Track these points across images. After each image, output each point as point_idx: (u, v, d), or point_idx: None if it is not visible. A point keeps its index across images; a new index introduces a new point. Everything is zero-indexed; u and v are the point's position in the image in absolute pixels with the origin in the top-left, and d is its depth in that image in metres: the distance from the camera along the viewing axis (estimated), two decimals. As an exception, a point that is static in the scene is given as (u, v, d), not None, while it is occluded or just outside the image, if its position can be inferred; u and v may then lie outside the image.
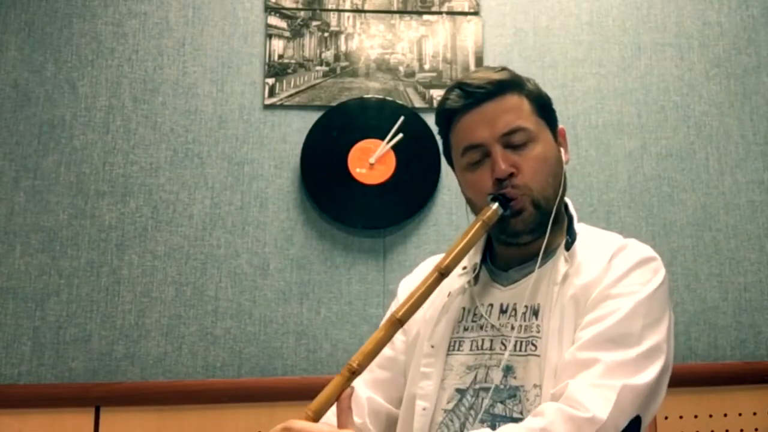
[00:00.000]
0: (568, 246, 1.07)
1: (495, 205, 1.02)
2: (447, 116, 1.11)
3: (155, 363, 1.77)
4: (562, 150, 1.11)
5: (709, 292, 1.91)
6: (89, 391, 1.71)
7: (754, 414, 1.82)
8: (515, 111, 1.06)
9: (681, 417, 1.80)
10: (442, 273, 1.00)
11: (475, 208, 1.09)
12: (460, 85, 1.08)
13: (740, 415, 1.81)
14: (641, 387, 0.92)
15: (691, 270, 1.91)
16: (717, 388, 1.83)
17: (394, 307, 1.22)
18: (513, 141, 1.05)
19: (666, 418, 1.79)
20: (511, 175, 1.03)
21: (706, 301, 1.90)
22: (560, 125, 1.14)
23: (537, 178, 1.04)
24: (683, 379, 1.80)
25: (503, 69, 1.10)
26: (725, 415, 1.81)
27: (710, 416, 1.81)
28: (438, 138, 1.68)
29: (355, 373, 0.95)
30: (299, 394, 1.74)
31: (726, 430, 1.81)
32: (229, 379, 1.76)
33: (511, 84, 1.07)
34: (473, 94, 1.06)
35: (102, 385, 1.72)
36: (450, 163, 1.16)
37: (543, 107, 1.10)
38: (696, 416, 1.80)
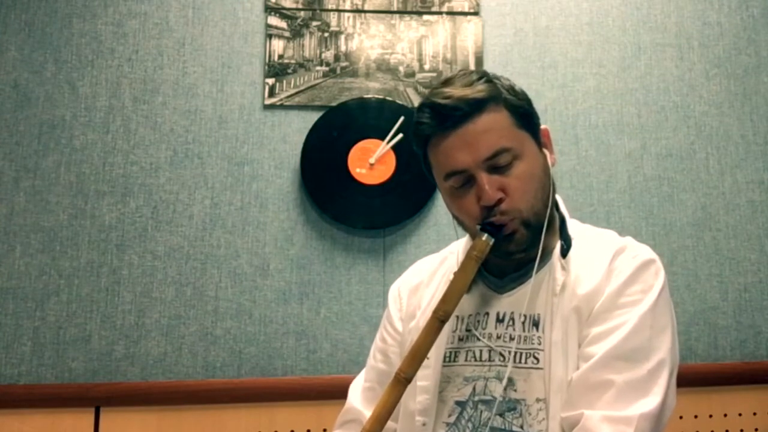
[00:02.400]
0: (564, 253, 1.04)
1: (485, 236, 0.99)
2: (422, 139, 1.04)
3: (155, 363, 1.77)
4: (547, 153, 1.06)
5: (709, 292, 1.91)
6: (89, 391, 1.70)
7: (754, 414, 1.82)
8: (496, 130, 0.99)
9: (681, 417, 1.80)
10: (442, 320, 0.98)
11: (464, 226, 1.07)
12: (434, 106, 1.01)
13: (740, 415, 1.81)
14: (654, 411, 0.92)
15: (691, 270, 1.91)
16: (717, 388, 1.83)
17: (385, 319, 1.21)
18: (497, 163, 0.99)
19: (666, 418, 1.79)
20: (499, 200, 0.99)
21: (706, 301, 1.90)
22: (543, 125, 1.09)
23: (525, 197, 1.00)
24: (683, 379, 1.78)
25: (478, 79, 1.02)
26: (725, 415, 1.81)
27: (710, 416, 1.81)
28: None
29: None
30: (299, 394, 1.74)
31: (726, 430, 1.81)
32: (229, 379, 1.76)
33: (488, 99, 1.00)
34: (448, 117, 0.99)
35: (102, 385, 1.72)
36: (429, 177, 1.10)
37: (523, 115, 1.03)
38: (696, 416, 1.80)
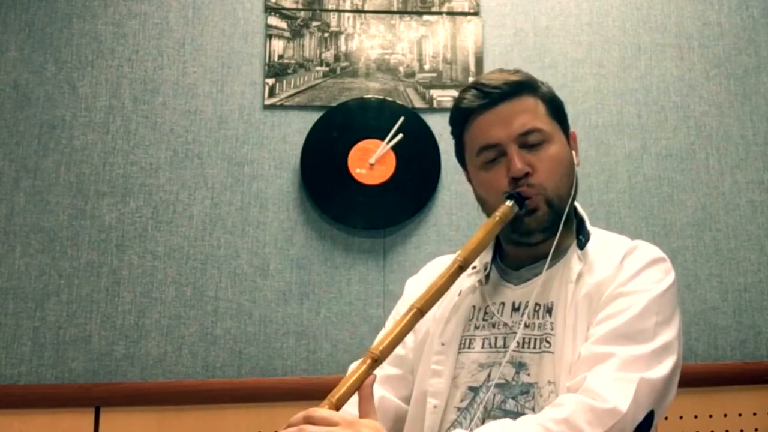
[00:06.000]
0: (582, 245, 1.08)
1: (510, 203, 1.04)
2: (463, 116, 1.12)
3: (155, 363, 1.77)
4: (573, 153, 1.13)
5: (709, 292, 1.90)
6: (89, 391, 1.70)
7: (754, 414, 1.82)
8: (531, 112, 1.08)
9: (681, 417, 1.80)
10: (461, 266, 1.02)
11: (489, 208, 1.10)
12: (477, 86, 1.10)
13: (740, 415, 1.81)
14: (657, 381, 0.93)
15: (691, 270, 1.91)
16: (717, 388, 1.83)
17: (401, 304, 1.22)
18: (528, 141, 1.06)
19: (666, 418, 1.79)
20: (527, 174, 1.04)
21: (706, 301, 1.90)
22: (572, 129, 1.16)
23: (552, 177, 1.06)
24: (683, 379, 1.78)
25: (518, 71, 1.12)
26: (725, 415, 1.81)
27: (710, 416, 1.81)
28: (438, 138, 1.68)
29: (377, 361, 0.93)
30: (299, 394, 1.74)
31: (726, 430, 1.81)
32: (229, 379, 1.76)
33: (527, 86, 1.09)
34: (489, 94, 1.08)
35: (102, 385, 1.72)
36: (462, 163, 1.17)
37: (557, 110, 1.12)
38: (696, 416, 1.80)
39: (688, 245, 1.93)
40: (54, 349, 1.75)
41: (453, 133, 1.16)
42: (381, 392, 1.13)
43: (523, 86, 1.09)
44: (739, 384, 1.83)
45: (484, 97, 1.08)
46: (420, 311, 0.98)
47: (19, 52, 1.88)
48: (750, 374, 1.84)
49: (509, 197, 1.04)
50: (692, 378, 1.81)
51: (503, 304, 1.09)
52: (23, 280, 1.78)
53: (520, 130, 1.06)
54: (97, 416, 1.70)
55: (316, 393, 1.73)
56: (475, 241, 1.03)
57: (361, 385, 0.91)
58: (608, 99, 1.99)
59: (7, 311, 1.76)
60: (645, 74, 2.01)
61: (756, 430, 1.81)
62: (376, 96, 1.93)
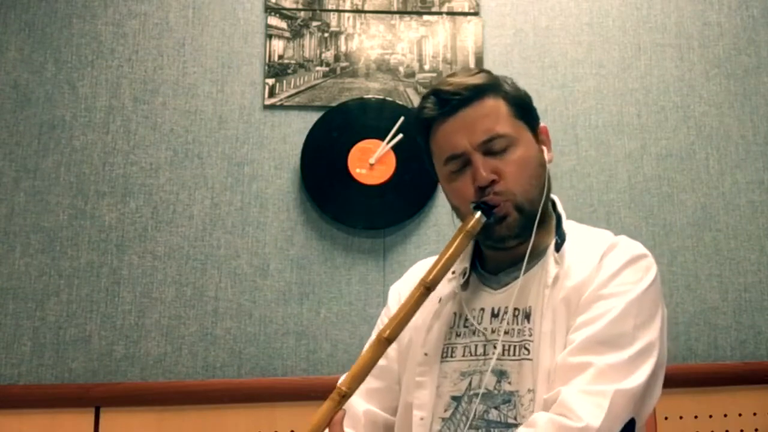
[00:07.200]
0: (558, 247, 1.06)
1: (478, 214, 1.01)
2: (425, 125, 1.08)
3: (155, 363, 1.77)
4: (544, 149, 1.10)
5: (709, 292, 1.90)
6: (89, 392, 1.70)
7: (754, 414, 1.82)
8: (493, 116, 1.04)
9: (681, 417, 1.80)
10: (428, 287, 1.00)
11: (461, 216, 1.08)
12: (436, 92, 1.06)
13: (740, 415, 1.81)
14: (634, 390, 0.92)
15: (691, 270, 1.91)
16: (717, 388, 1.83)
17: (384, 315, 1.22)
18: (492, 148, 1.03)
19: (666, 418, 1.79)
20: (493, 181, 1.02)
21: (706, 302, 1.90)
22: (542, 123, 1.12)
23: (519, 182, 1.03)
24: (683, 379, 1.80)
25: (479, 72, 1.08)
26: (725, 415, 1.81)
27: (710, 416, 1.81)
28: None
29: (345, 397, 0.95)
30: (299, 394, 1.74)
31: (726, 430, 1.81)
32: (229, 380, 1.76)
33: (488, 87, 1.05)
34: (449, 101, 1.04)
35: (102, 386, 1.72)
36: (431, 169, 1.14)
37: (521, 108, 1.08)
38: (696, 416, 1.80)
39: (688, 245, 1.93)
40: (54, 349, 1.75)
41: (419, 141, 1.13)
42: (367, 406, 1.13)
43: (484, 89, 1.05)
44: (739, 384, 1.83)
45: (443, 104, 1.05)
46: (387, 340, 0.98)
47: (19, 52, 1.88)
48: (750, 374, 1.84)
49: (476, 208, 1.02)
50: (692, 378, 1.81)
51: (483, 310, 1.08)
52: (23, 280, 1.78)
53: (482, 137, 1.03)
54: (97, 416, 1.70)
55: (315, 393, 1.74)
56: (442, 259, 1.01)
57: (331, 422, 0.92)
58: (608, 99, 1.99)
59: (7, 311, 1.76)
60: (645, 74, 2.01)
61: (756, 430, 1.81)
62: (376, 96, 1.93)
